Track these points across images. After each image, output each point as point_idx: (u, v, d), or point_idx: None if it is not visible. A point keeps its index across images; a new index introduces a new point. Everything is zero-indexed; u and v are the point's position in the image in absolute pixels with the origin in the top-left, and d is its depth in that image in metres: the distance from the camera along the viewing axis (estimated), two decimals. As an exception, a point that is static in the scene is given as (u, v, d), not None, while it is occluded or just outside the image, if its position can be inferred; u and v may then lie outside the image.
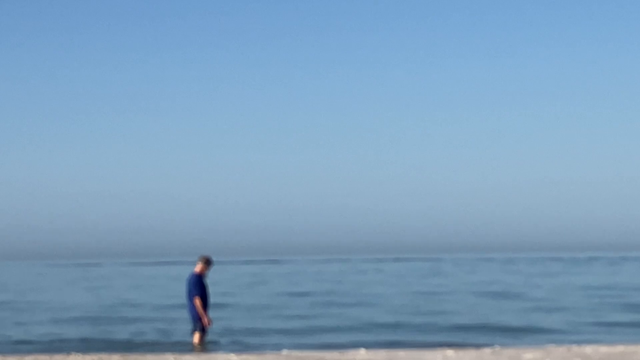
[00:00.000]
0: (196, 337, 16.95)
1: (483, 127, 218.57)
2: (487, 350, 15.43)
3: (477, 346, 16.73)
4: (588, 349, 15.16)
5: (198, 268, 17.04)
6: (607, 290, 37.82)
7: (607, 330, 21.01)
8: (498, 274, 63.63)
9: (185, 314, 21.17)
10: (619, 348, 15.34)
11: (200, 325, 16.86)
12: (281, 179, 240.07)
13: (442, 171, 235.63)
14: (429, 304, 30.57)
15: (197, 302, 16.71)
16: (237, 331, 20.82)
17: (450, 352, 15.04)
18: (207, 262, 17.08)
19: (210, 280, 20.75)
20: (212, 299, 18.41)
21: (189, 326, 17.95)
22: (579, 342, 17.39)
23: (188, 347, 17.01)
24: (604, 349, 15.12)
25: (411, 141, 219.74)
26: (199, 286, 16.79)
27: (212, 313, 17.93)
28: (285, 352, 15.66)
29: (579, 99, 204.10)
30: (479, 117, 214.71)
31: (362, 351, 15.57)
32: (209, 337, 17.66)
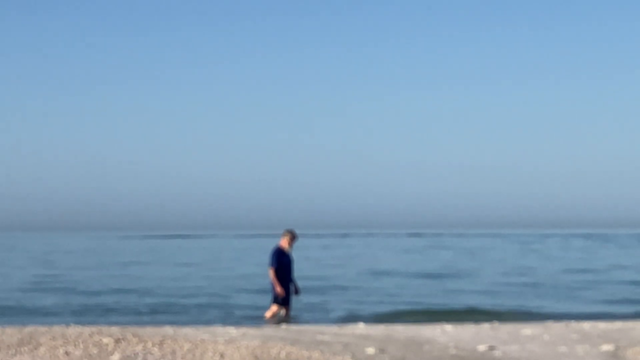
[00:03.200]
0: (270, 310, 17.09)
1: (485, 106, 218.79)
2: (485, 326, 15.44)
3: (476, 321, 16.78)
4: (586, 325, 15.18)
5: (282, 241, 17.22)
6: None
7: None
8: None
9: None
10: (617, 324, 15.37)
11: (275, 297, 17.00)
12: (288, 158, 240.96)
13: (447, 151, 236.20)
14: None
15: (271, 273, 17.00)
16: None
17: (448, 327, 15.06)
18: (291, 236, 17.19)
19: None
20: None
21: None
22: (577, 319, 17.44)
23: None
24: (602, 325, 15.14)
25: (414, 121, 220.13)
26: (275, 258, 17.05)
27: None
28: (284, 325, 15.69)
29: (582, 81, 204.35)
30: (480, 97, 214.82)
31: (361, 325, 15.60)
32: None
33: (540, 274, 34.20)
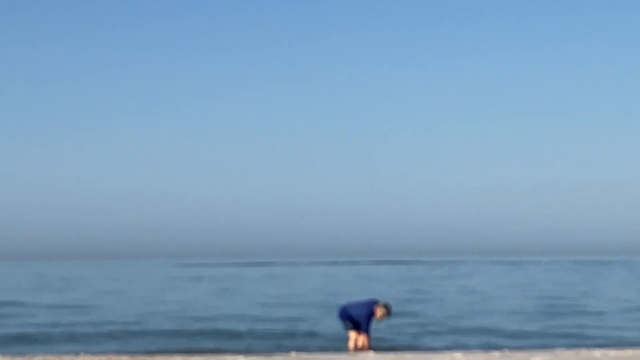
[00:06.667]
0: (351, 340, 16.55)
1: (486, 127, 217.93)
2: (495, 354, 15.40)
3: (486, 349, 16.72)
4: (597, 353, 15.12)
5: (377, 311, 16.29)
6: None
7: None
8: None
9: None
10: (628, 352, 15.31)
11: (350, 324, 16.56)
12: (281, 180, 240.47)
13: (444, 173, 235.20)
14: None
15: (366, 341, 16.41)
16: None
17: (458, 355, 15.03)
18: (387, 312, 16.39)
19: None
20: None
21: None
22: (587, 346, 17.36)
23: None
24: (612, 353, 15.09)
25: (412, 142, 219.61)
26: (368, 325, 16.37)
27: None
28: (293, 354, 15.67)
29: (583, 101, 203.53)
30: (483, 118, 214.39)
31: (371, 354, 15.58)
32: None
33: None
